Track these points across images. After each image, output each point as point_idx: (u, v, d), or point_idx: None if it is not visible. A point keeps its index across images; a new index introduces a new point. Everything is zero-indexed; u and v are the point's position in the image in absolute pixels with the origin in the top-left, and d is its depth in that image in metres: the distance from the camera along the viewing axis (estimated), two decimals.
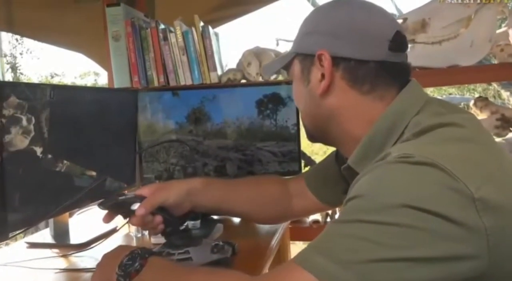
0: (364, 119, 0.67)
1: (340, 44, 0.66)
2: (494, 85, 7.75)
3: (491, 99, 1.56)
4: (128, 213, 0.78)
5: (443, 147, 0.54)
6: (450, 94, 8.88)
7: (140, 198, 0.78)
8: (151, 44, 1.45)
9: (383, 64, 0.65)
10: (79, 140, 1.11)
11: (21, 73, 9.52)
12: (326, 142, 0.76)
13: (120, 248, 0.70)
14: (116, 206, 0.79)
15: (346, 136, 0.70)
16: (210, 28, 1.45)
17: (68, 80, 11.13)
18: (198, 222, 1.01)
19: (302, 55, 0.71)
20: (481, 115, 1.46)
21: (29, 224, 0.93)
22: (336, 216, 1.44)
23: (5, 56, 9.27)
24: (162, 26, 1.48)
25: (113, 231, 1.08)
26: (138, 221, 0.77)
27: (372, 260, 0.47)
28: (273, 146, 1.35)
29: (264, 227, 1.12)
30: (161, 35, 1.44)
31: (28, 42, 9.43)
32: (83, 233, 1.10)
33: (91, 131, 1.15)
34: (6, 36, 8.91)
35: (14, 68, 9.38)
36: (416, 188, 0.50)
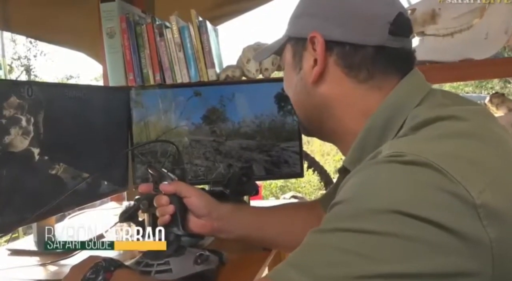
0: (360, 111, 0.60)
1: (334, 26, 0.59)
2: None
3: (510, 97, 1.47)
4: (157, 184, 0.79)
5: (440, 143, 0.47)
6: (467, 93, 8.69)
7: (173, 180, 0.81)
8: (147, 40, 1.39)
9: (382, 50, 0.58)
10: (70, 141, 1.07)
11: (35, 75, 9.63)
12: (322, 136, 0.69)
13: (88, 259, 0.63)
14: (157, 173, 0.82)
15: (341, 130, 0.63)
16: (208, 23, 1.39)
17: (84, 82, 11.24)
18: None
19: (294, 39, 0.65)
20: (498, 113, 1.37)
21: (6, 230, 0.88)
22: None
23: (19, 58, 9.39)
24: (158, 22, 1.42)
25: (100, 237, 1.02)
26: (160, 197, 0.77)
27: (354, 276, 0.40)
28: (298, 146, 1.29)
29: None
30: (156, 31, 1.38)
31: (42, 45, 9.52)
32: (71, 239, 1.04)
33: (82, 132, 1.11)
34: (21, 39, 9.02)
35: (28, 70, 9.49)
36: (407, 191, 0.42)
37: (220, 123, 1.29)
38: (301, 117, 0.70)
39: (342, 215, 0.45)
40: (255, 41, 1.42)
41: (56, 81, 10.61)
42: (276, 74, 1.45)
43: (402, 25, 0.59)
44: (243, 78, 1.40)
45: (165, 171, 0.84)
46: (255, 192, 1.16)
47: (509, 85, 8.00)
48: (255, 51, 1.37)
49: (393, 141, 0.52)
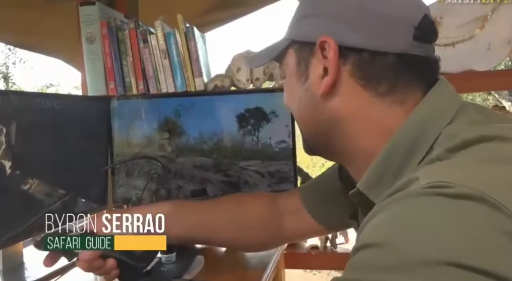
0: (378, 129, 0.51)
1: (349, 29, 0.50)
2: (495, 94, 7.66)
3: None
4: (71, 255, 0.63)
5: (492, 171, 0.39)
6: None
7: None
8: (130, 47, 1.29)
9: (405, 58, 0.50)
10: (45, 154, 0.97)
11: (13, 83, 9.37)
12: (329, 156, 0.61)
13: None
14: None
15: (355, 151, 0.54)
16: (195, 29, 1.30)
17: (64, 91, 11.05)
18: (173, 255, 0.84)
19: (299, 43, 0.56)
20: None
21: None
22: (338, 241, 1.28)
23: None
24: (142, 27, 1.33)
25: (74, 264, 0.91)
26: (84, 266, 0.61)
27: None
28: (259, 165, 1.18)
29: (255, 257, 0.95)
30: (140, 37, 1.29)
31: (22, 52, 9.30)
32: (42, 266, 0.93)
33: (59, 144, 1.01)
34: None
35: (6, 78, 9.23)
36: (460, 236, 0.34)
37: (181, 137, 1.16)
38: (305, 134, 0.60)
39: (377, 264, 0.35)
40: (245, 49, 1.34)
41: (35, 89, 10.37)
42: (267, 84, 1.38)
43: (428, 29, 0.51)
44: (233, 88, 1.32)
45: None
46: None
47: (489, 97, 8.11)
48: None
49: (432, 167, 0.43)
